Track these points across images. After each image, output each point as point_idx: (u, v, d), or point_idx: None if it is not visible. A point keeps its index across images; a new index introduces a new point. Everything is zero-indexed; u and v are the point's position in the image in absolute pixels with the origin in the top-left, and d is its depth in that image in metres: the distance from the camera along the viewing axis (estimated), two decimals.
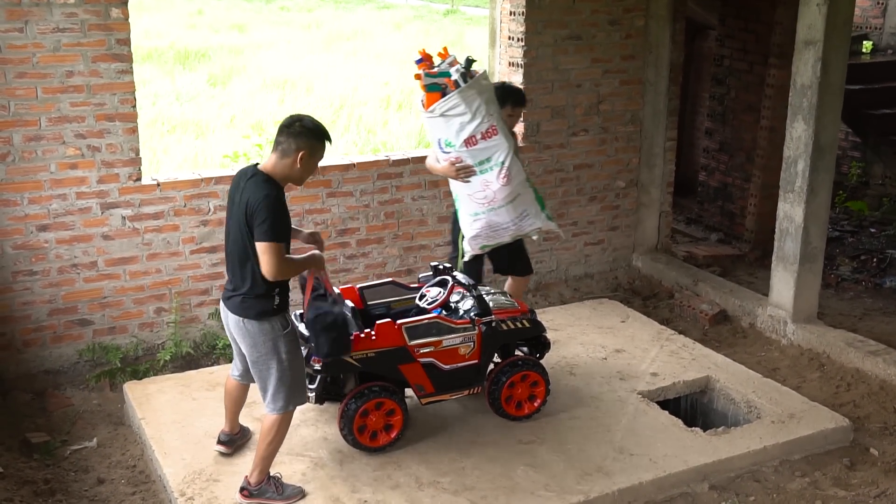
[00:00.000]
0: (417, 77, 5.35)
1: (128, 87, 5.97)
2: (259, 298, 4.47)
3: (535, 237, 5.93)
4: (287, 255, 4.46)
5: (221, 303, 4.69)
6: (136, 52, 6.14)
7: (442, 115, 5.36)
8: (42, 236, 5.96)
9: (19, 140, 5.77)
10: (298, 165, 4.44)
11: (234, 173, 6.47)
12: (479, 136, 5.41)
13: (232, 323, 4.61)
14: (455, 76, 5.31)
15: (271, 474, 4.74)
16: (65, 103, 5.82)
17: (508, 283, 6.29)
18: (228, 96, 13.64)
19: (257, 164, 4.59)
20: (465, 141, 5.42)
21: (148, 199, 6.20)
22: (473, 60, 5.43)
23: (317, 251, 4.74)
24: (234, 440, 5.15)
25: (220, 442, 5.13)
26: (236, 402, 5.08)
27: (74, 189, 5.98)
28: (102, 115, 5.92)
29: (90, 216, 6.06)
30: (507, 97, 5.75)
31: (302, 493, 4.73)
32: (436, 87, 5.34)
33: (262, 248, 4.33)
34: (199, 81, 14.32)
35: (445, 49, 5.51)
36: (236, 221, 4.45)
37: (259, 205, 4.32)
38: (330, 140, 4.58)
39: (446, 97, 5.32)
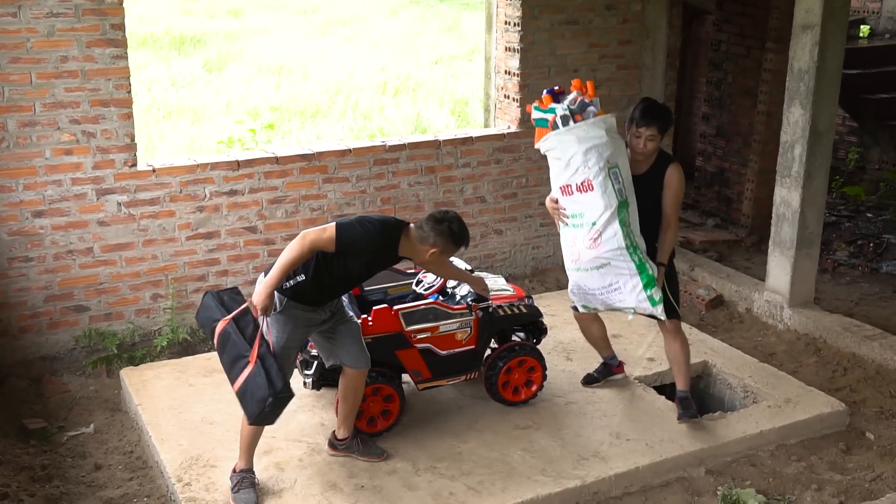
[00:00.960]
0: (528, 110, 5.10)
1: (123, 73, 5.94)
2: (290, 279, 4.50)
3: (629, 317, 5.37)
4: (301, 257, 4.38)
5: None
6: (130, 38, 6.11)
7: (545, 152, 5.05)
8: (37, 222, 5.94)
9: (14, 126, 5.74)
10: (427, 257, 4.57)
11: (230, 159, 6.51)
12: (573, 187, 4.96)
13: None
14: (559, 115, 4.90)
15: (251, 470, 4.70)
16: (59, 89, 5.79)
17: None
18: (224, 82, 13.58)
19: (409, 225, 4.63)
20: (560, 188, 5.03)
21: (143, 185, 6.18)
22: (588, 104, 4.95)
23: (262, 296, 4.42)
24: (337, 446, 5.04)
25: (329, 444, 5.08)
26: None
27: (70, 175, 5.96)
28: (97, 100, 5.90)
29: (86, 202, 6.04)
30: (632, 113, 5.09)
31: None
32: (543, 122, 4.99)
33: (329, 224, 4.42)
34: (195, 67, 14.25)
35: (579, 83, 5.05)
36: None
37: (371, 218, 4.54)
38: (466, 244, 4.67)
39: (546, 137, 4.97)
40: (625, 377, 5.76)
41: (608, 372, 5.73)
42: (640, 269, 5.00)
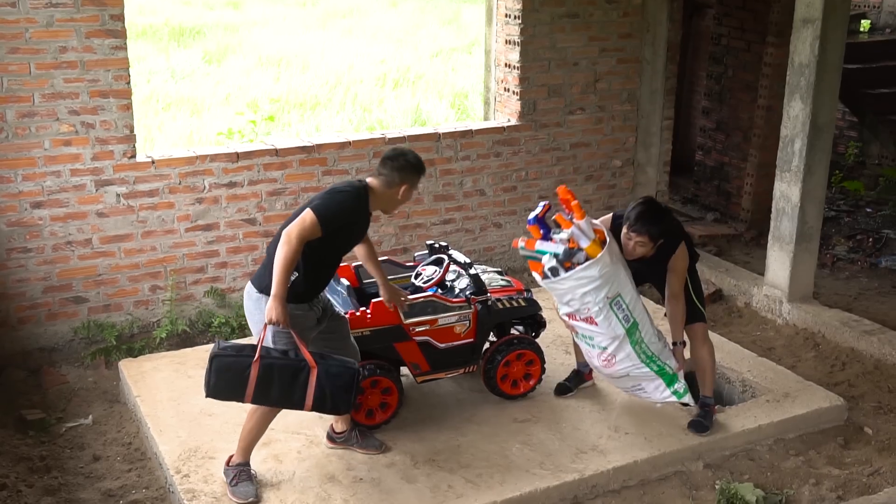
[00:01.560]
0: (514, 245, 4.99)
1: (122, 64, 5.92)
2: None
3: (658, 405, 5.33)
4: (296, 255, 4.27)
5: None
6: (130, 29, 6.10)
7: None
8: (36, 213, 5.93)
9: (12, 116, 5.73)
10: (400, 197, 4.59)
11: (229, 150, 6.50)
12: (578, 317, 4.94)
13: (246, 295, 4.58)
14: (546, 266, 4.77)
15: (248, 464, 4.68)
16: (58, 79, 5.77)
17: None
18: (223, 74, 13.55)
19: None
20: (566, 314, 5.01)
21: (142, 176, 6.17)
22: (576, 252, 4.73)
23: (278, 309, 4.30)
24: (335, 439, 5.04)
25: (328, 437, 5.07)
26: None
27: (68, 166, 5.95)
28: (96, 91, 5.88)
29: (84, 193, 6.03)
30: (629, 211, 4.88)
31: (248, 500, 4.57)
32: (533, 258, 4.89)
33: (303, 213, 4.35)
34: (194, 59, 14.22)
35: (563, 193, 4.85)
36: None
37: (335, 188, 4.52)
38: (424, 173, 4.72)
39: (540, 280, 4.86)
40: (593, 384, 5.63)
41: (580, 380, 5.59)
42: (661, 373, 5.06)
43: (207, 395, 4.45)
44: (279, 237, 4.37)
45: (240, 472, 4.63)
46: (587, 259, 4.73)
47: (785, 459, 5.17)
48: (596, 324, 4.88)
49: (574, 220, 4.81)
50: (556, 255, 4.77)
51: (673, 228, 4.99)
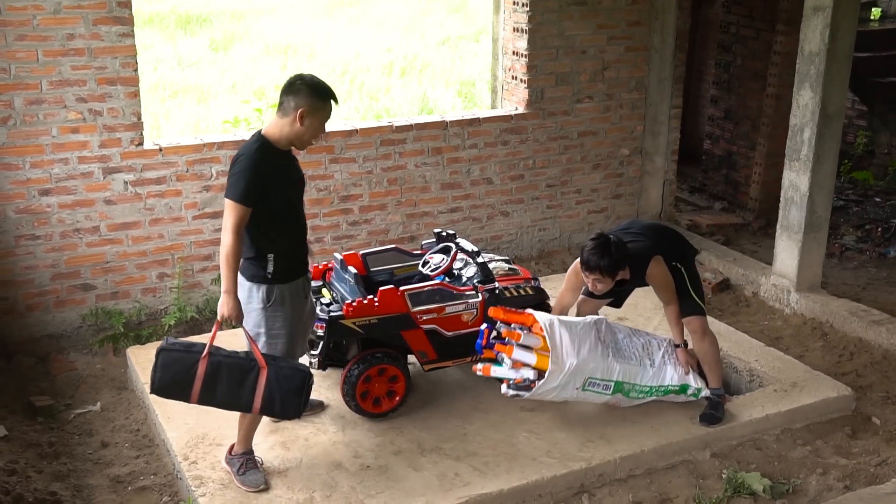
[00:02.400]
0: (473, 370, 5.06)
1: (129, 51, 5.92)
2: (252, 261, 4.33)
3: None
4: (235, 245, 4.12)
5: None
6: (137, 17, 6.09)
7: None
8: (44, 200, 5.94)
9: (20, 103, 5.73)
10: (298, 124, 4.25)
11: (236, 138, 6.49)
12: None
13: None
14: (509, 394, 4.91)
15: (252, 454, 4.65)
16: (66, 66, 5.77)
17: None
18: (230, 61, 13.54)
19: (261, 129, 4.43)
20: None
21: (150, 163, 6.17)
22: (527, 382, 4.90)
23: (228, 306, 4.21)
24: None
25: None
26: None
27: (76, 153, 5.95)
28: (104, 78, 5.88)
29: (92, 181, 6.03)
30: (582, 250, 4.98)
31: (259, 487, 4.53)
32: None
33: (225, 203, 4.19)
34: (201, 46, 14.20)
35: (501, 347, 4.95)
36: None
37: (235, 160, 4.23)
38: (334, 99, 4.35)
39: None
40: None
41: None
42: (669, 392, 5.21)
43: (152, 392, 4.34)
44: None
45: (245, 461, 4.62)
46: (539, 375, 4.87)
47: (792, 449, 5.17)
48: (584, 398, 5.08)
49: (513, 343, 4.93)
50: (511, 381, 4.92)
51: (635, 253, 5.00)
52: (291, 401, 4.30)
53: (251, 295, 4.38)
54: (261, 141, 4.29)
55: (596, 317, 5.23)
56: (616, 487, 4.81)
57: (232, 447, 4.69)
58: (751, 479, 4.78)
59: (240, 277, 4.34)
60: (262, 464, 4.70)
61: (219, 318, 4.23)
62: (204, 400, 4.31)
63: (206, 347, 4.26)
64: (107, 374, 5.95)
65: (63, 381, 5.84)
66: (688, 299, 5.17)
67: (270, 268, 4.34)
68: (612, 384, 5.03)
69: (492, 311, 5.02)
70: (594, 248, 4.88)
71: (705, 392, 5.22)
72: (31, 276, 6.03)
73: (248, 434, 4.63)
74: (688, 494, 4.75)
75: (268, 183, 4.23)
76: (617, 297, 5.49)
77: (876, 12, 10.96)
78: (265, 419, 5.08)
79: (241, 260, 4.31)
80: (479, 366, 5.01)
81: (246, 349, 4.37)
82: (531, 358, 4.89)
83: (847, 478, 4.89)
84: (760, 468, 4.97)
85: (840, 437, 5.28)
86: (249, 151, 4.24)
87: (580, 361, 4.90)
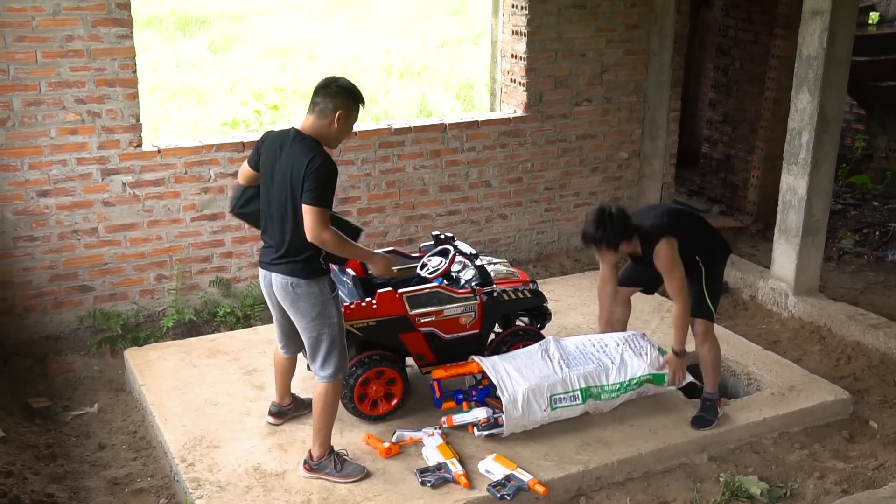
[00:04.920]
0: (440, 424, 5.08)
1: (128, 52, 5.92)
2: (308, 260, 4.42)
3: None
4: (342, 236, 4.39)
5: (262, 269, 4.58)
6: (136, 18, 6.09)
7: None
8: (42, 202, 5.93)
9: (19, 105, 5.73)
10: (336, 126, 4.37)
11: (235, 140, 6.49)
12: None
13: (278, 287, 4.48)
14: (483, 433, 4.97)
15: (335, 449, 4.68)
16: (65, 68, 5.77)
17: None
18: (229, 63, 13.53)
19: (293, 127, 4.48)
20: None
21: (148, 165, 6.17)
22: (487, 409, 5.02)
23: (384, 256, 4.66)
24: (285, 412, 5.13)
25: (270, 413, 5.12)
26: (284, 373, 5.05)
27: (75, 155, 5.95)
28: (103, 80, 5.88)
29: (90, 182, 6.03)
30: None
31: (364, 473, 4.65)
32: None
33: (307, 210, 4.28)
34: (200, 48, 14.19)
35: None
36: (282, 184, 4.36)
37: (312, 169, 4.26)
38: (363, 102, 4.49)
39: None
40: None
41: None
42: (642, 383, 5.18)
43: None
44: (279, 223, 4.40)
45: (335, 459, 4.64)
46: (496, 411, 4.99)
47: (790, 453, 5.17)
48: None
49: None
50: (476, 422, 4.98)
51: (647, 229, 4.95)
52: None
53: (311, 293, 4.45)
54: (319, 144, 4.39)
55: (543, 340, 5.29)
56: (613, 491, 4.81)
57: (310, 456, 4.66)
58: (748, 483, 4.78)
59: (292, 285, 4.44)
60: (347, 454, 4.73)
61: (380, 273, 4.67)
62: None
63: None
64: (104, 375, 5.94)
65: (60, 382, 5.83)
66: (700, 299, 5.09)
67: (323, 261, 4.48)
68: (579, 392, 5.04)
69: (435, 374, 5.11)
70: (591, 220, 4.91)
71: (689, 378, 5.15)
72: (29, 278, 6.03)
73: (326, 435, 4.64)
74: (685, 498, 4.75)
75: (336, 182, 4.43)
76: (647, 284, 5.38)
77: (874, 16, 10.97)
78: (266, 420, 5.10)
79: (289, 263, 4.43)
80: (444, 422, 5.04)
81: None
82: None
83: (844, 481, 4.89)
84: (758, 472, 4.96)
85: (837, 441, 5.29)
86: (323, 157, 4.33)
87: (533, 385, 4.94)
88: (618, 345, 5.27)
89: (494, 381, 4.97)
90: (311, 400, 5.19)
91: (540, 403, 4.96)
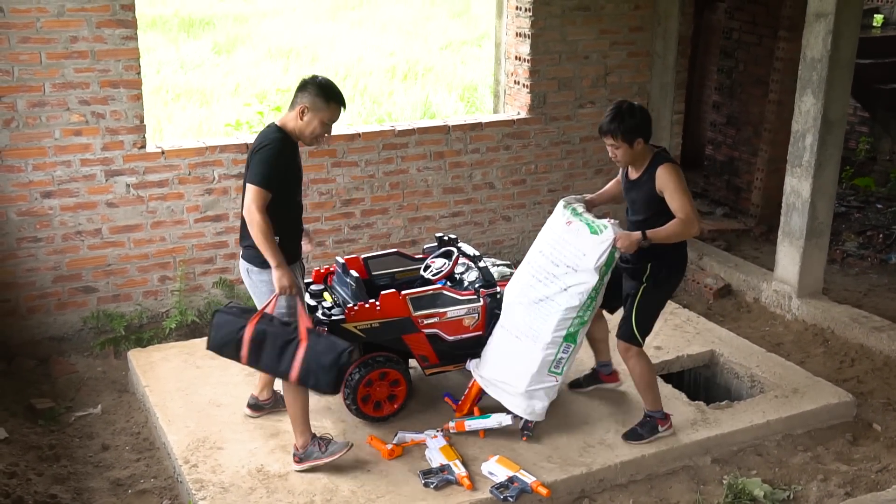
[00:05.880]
0: (445, 428, 5.06)
1: (132, 54, 5.92)
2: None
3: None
4: (268, 229, 4.35)
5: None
6: (140, 20, 6.10)
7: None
8: (46, 203, 5.94)
9: (23, 106, 5.74)
10: (300, 119, 4.48)
11: (239, 142, 6.50)
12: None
13: (242, 271, 4.69)
14: (501, 423, 5.02)
15: (316, 434, 4.74)
16: (69, 69, 5.78)
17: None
18: (233, 65, 13.55)
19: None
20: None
21: (152, 166, 6.18)
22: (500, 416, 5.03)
23: (286, 276, 4.45)
24: (262, 406, 5.18)
25: (248, 405, 5.19)
26: None
27: (79, 156, 5.96)
28: (107, 81, 5.89)
29: (94, 183, 6.04)
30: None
31: (349, 446, 4.73)
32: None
33: (248, 188, 4.41)
34: (204, 49, 14.21)
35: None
36: (246, 172, 4.53)
37: (257, 149, 4.44)
38: (339, 102, 4.52)
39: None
40: (617, 386, 5.49)
41: (595, 379, 5.48)
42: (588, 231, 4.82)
43: (208, 348, 4.67)
44: (242, 209, 4.50)
45: (318, 443, 4.69)
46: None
47: (793, 455, 5.16)
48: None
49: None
50: (500, 423, 5.02)
51: (654, 155, 4.74)
52: (324, 375, 4.45)
53: (263, 280, 4.53)
54: (280, 131, 4.50)
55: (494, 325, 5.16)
56: (617, 493, 4.81)
57: (295, 447, 4.72)
58: (751, 485, 4.77)
59: (247, 266, 4.59)
60: (330, 436, 4.78)
61: (278, 290, 4.44)
62: (251, 362, 4.58)
63: (257, 313, 4.52)
64: (108, 376, 5.95)
65: (64, 383, 5.84)
66: (628, 328, 4.88)
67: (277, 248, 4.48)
68: (564, 342, 4.88)
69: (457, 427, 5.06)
70: (613, 112, 4.69)
71: (611, 223, 4.76)
72: (33, 279, 6.04)
73: (302, 423, 4.68)
74: (688, 500, 4.75)
75: (284, 170, 4.47)
76: (611, 298, 5.11)
77: (878, 19, 10.98)
78: (268, 418, 5.10)
79: (247, 248, 4.55)
80: (452, 426, 5.04)
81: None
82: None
83: (848, 484, 4.89)
84: (761, 474, 4.96)
85: (841, 444, 5.28)
86: (272, 140, 4.46)
87: (530, 376, 4.92)
88: (555, 276, 4.89)
89: (496, 398, 5.01)
90: None
91: (548, 381, 4.93)
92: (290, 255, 4.59)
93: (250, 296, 4.80)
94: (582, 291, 4.82)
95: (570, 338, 4.92)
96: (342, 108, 4.56)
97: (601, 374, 5.49)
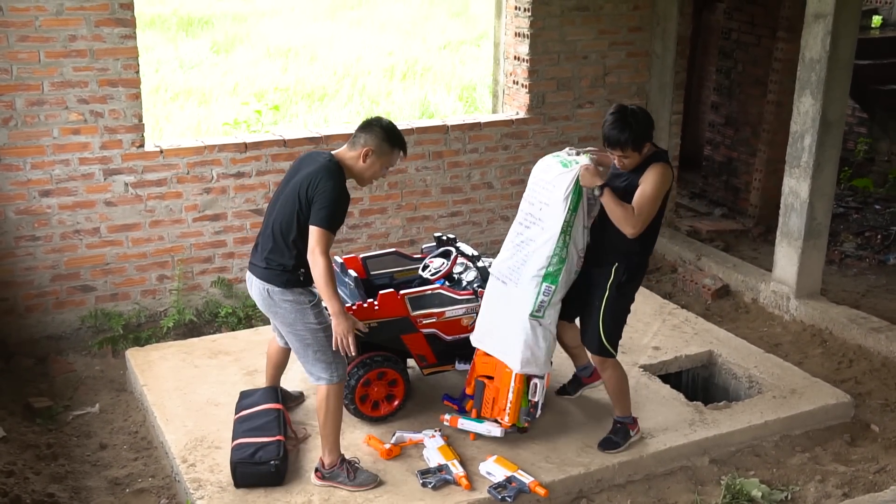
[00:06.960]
0: (441, 420, 5.11)
1: (131, 53, 5.92)
2: (286, 271, 4.45)
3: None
4: (332, 273, 4.32)
5: (249, 270, 4.62)
6: (139, 19, 6.10)
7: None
8: (45, 202, 5.94)
9: (22, 104, 5.73)
10: (362, 161, 4.46)
11: (237, 141, 6.50)
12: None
13: (255, 292, 4.57)
14: (491, 433, 4.98)
15: (346, 458, 4.63)
16: (67, 68, 5.78)
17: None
18: (231, 64, 13.55)
19: (331, 152, 4.56)
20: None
21: (151, 165, 6.17)
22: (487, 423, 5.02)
23: (348, 322, 4.41)
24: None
25: None
26: (275, 366, 5.10)
27: (77, 155, 5.95)
28: (105, 80, 5.88)
29: (93, 182, 6.03)
30: (603, 126, 4.68)
31: (376, 482, 4.60)
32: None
33: (313, 230, 4.31)
34: (203, 49, 14.21)
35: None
36: (292, 193, 4.40)
37: (323, 190, 4.31)
38: (403, 148, 4.56)
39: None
40: (601, 383, 5.32)
41: (579, 384, 5.41)
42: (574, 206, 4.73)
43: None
44: (271, 228, 4.45)
45: (348, 468, 4.58)
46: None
47: (791, 456, 5.17)
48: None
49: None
50: (489, 431, 4.97)
51: (657, 148, 4.70)
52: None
53: (286, 299, 4.47)
54: (339, 166, 4.44)
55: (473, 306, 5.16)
56: (615, 493, 4.81)
57: (321, 463, 4.61)
58: (749, 486, 4.78)
59: (269, 290, 4.49)
60: (359, 462, 4.69)
61: (341, 337, 4.36)
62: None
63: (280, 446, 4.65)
64: (106, 375, 5.94)
65: (62, 382, 5.83)
66: (598, 342, 4.82)
67: (301, 277, 4.47)
68: (544, 283, 4.74)
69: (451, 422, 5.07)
70: (613, 122, 4.49)
71: (588, 157, 4.73)
72: (31, 277, 6.03)
73: (333, 443, 4.58)
74: (686, 500, 4.75)
75: (344, 212, 4.47)
76: (575, 306, 4.97)
77: (877, 20, 10.99)
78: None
79: (268, 270, 4.47)
80: (446, 419, 5.05)
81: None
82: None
83: (845, 485, 4.89)
84: (759, 475, 4.96)
85: (839, 445, 5.28)
86: (337, 178, 4.39)
87: (528, 349, 4.84)
88: (533, 216, 4.86)
89: (492, 353, 4.97)
90: (299, 394, 5.26)
91: (532, 325, 4.79)
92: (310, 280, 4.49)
93: (251, 297, 4.75)
94: (554, 224, 4.70)
95: (549, 278, 4.73)
96: (404, 155, 4.61)
97: (583, 378, 5.43)
